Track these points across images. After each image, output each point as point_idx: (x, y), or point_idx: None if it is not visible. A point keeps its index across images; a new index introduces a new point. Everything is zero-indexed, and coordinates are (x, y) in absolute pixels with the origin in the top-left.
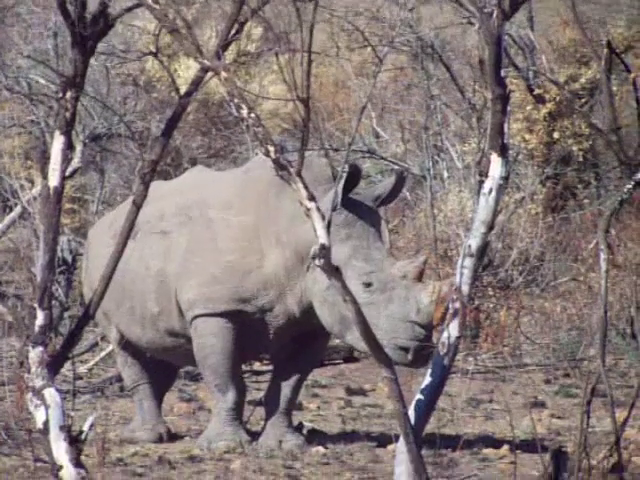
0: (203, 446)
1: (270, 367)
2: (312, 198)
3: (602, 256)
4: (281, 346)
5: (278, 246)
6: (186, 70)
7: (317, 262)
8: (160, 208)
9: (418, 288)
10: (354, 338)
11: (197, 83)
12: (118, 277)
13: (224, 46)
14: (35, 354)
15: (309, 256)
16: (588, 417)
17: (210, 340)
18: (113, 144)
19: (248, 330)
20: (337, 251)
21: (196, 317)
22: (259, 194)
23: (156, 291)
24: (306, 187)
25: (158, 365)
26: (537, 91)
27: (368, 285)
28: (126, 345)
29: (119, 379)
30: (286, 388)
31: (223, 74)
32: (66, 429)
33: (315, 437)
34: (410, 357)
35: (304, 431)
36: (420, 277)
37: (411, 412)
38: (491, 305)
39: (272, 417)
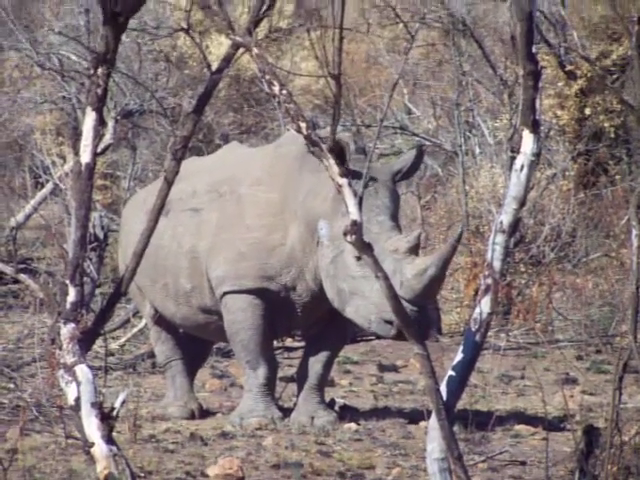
0: (235, 422)
1: (302, 343)
2: (344, 174)
3: (634, 232)
4: (310, 323)
5: (295, 221)
6: (218, 46)
7: (348, 238)
8: (192, 185)
9: (404, 262)
10: (352, 312)
11: (229, 59)
12: (152, 254)
13: (256, 22)
14: (67, 331)
15: (318, 231)
16: (620, 393)
17: (239, 316)
18: (145, 120)
19: (276, 307)
20: (338, 225)
21: (225, 294)
22: (287, 170)
23: (188, 268)
24: (337, 163)
25: (191, 341)
26: (568, 67)
27: (359, 259)
28: (160, 321)
29: (151, 355)
30: (317, 364)
31: (255, 50)
32: (97, 406)
33: (347, 413)
34: (393, 331)
35: (336, 407)
36: (413, 252)
37: (443, 388)
38: (523, 281)
39: (304, 393)
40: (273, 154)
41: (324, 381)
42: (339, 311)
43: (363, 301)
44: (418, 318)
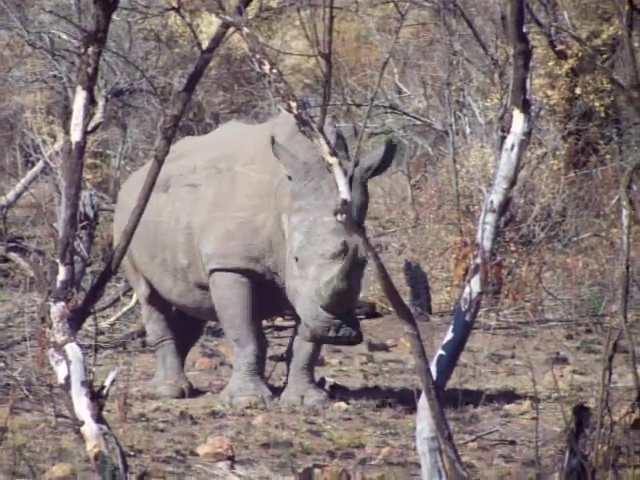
0: (225, 401)
1: (292, 322)
2: (334, 153)
3: (624, 212)
4: None
5: (273, 205)
6: (208, 25)
7: (339, 217)
8: (192, 161)
9: (324, 269)
10: (298, 309)
11: (219, 39)
12: (152, 230)
13: (246, 1)
14: (57, 309)
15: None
16: (610, 373)
17: (226, 293)
18: (135, 99)
19: (263, 288)
20: (289, 222)
21: (213, 271)
22: None
23: (185, 243)
24: (328, 142)
25: (183, 321)
26: (559, 47)
27: (296, 260)
28: (152, 300)
29: (141, 334)
30: (306, 344)
31: (245, 30)
32: (87, 384)
33: (337, 393)
34: (308, 336)
35: (326, 387)
36: (336, 259)
37: (433, 368)
38: (513, 261)
39: (293, 373)
40: (267, 133)
41: (314, 360)
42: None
43: (302, 301)
44: (337, 326)
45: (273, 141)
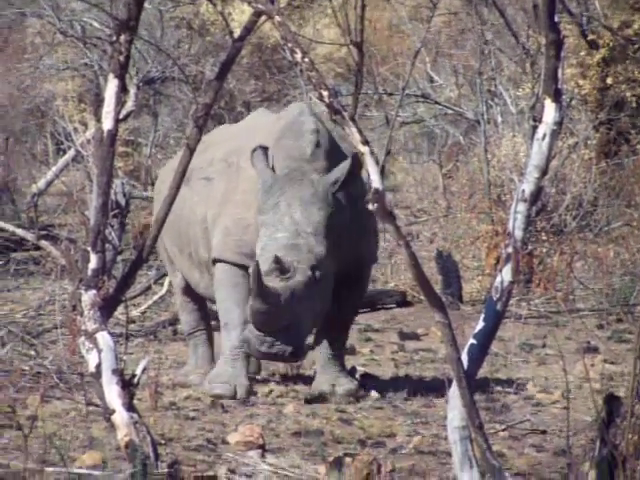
0: (205, 387)
1: None
2: (366, 142)
3: None
4: None
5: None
6: (240, 14)
7: (371, 207)
8: (212, 154)
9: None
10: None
11: (251, 27)
12: (176, 222)
13: None
14: (88, 297)
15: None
16: None
17: (221, 275)
18: (167, 87)
19: None
20: (257, 231)
21: (215, 260)
22: None
23: (203, 238)
24: (360, 131)
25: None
26: (591, 37)
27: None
28: (188, 292)
29: (172, 323)
30: (332, 332)
31: (277, 18)
32: (118, 373)
33: (368, 382)
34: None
35: (357, 375)
36: (269, 275)
37: (464, 357)
38: (544, 250)
39: (323, 361)
40: (272, 127)
41: (342, 349)
42: None
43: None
44: (270, 343)
45: (255, 149)
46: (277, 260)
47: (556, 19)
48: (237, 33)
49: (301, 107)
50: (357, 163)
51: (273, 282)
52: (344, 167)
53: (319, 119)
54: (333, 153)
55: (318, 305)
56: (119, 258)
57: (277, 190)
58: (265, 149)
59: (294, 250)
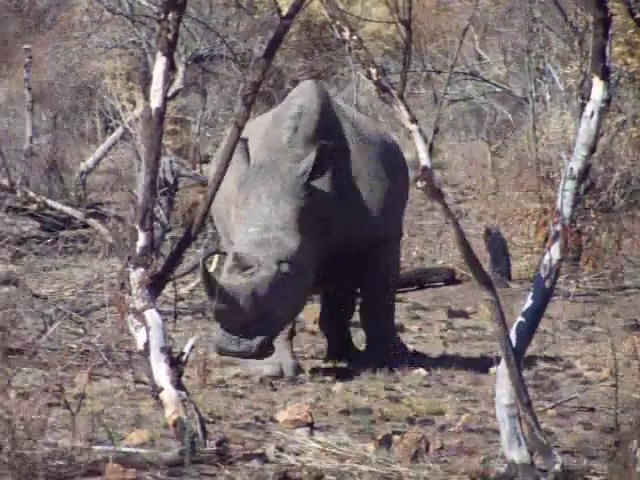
0: (250, 368)
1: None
2: (414, 120)
3: None
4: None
5: None
6: None
7: (419, 184)
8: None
9: (221, 279)
10: None
11: (299, 5)
12: (215, 207)
13: None
14: (136, 275)
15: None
16: None
17: None
18: (215, 65)
19: None
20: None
21: None
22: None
23: (227, 226)
24: (408, 109)
25: None
26: (638, 15)
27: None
28: None
29: None
30: (377, 311)
31: None
32: (167, 351)
33: (416, 359)
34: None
35: (405, 353)
36: (231, 272)
37: (512, 334)
38: (592, 228)
39: (370, 339)
40: (273, 111)
41: (389, 326)
42: None
43: None
44: (236, 340)
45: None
46: (236, 257)
47: None
48: (285, 11)
49: (301, 88)
50: (323, 154)
51: (235, 279)
52: (310, 159)
53: (322, 100)
54: (320, 137)
55: (292, 299)
56: (167, 236)
57: (249, 185)
58: (245, 141)
59: (263, 245)
